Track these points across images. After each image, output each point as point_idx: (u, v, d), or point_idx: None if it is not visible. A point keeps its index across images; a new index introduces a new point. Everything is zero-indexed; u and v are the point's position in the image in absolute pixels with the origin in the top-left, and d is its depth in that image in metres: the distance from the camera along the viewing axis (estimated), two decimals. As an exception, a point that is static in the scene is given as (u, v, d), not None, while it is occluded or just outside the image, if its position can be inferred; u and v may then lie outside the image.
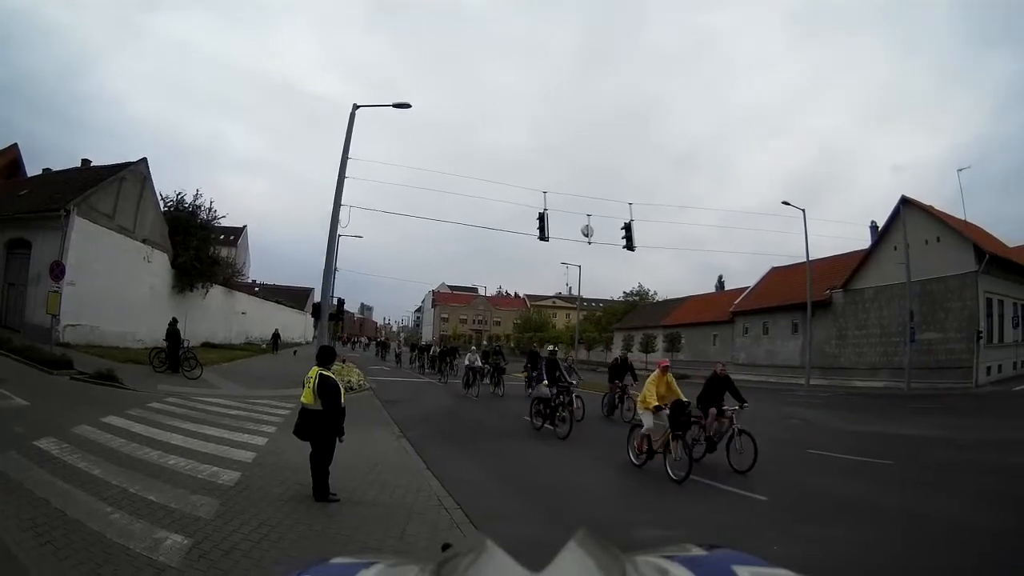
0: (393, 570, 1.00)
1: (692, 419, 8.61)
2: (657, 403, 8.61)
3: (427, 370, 28.74)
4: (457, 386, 20.01)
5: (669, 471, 7.89)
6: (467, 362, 19.46)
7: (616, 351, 38.93)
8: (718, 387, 9.25)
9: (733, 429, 8.60)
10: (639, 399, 9.19)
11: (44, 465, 6.06)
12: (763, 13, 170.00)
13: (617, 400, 14.57)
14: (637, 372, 15.22)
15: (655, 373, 9.10)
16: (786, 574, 0.91)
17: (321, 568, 1.05)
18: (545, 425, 11.83)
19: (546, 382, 12.00)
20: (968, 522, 5.96)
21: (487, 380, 19.47)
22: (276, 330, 38.09)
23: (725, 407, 8.86)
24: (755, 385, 28.73)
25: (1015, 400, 20.07)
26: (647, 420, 8.59)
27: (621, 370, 14.96)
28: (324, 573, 1.04)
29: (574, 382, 12.43)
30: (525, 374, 18.65)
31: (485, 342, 59.41)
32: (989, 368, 25.16)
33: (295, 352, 34.26)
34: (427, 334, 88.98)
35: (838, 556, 4.94)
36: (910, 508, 6.57)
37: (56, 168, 26.82)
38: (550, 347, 17.10)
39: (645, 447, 8.53)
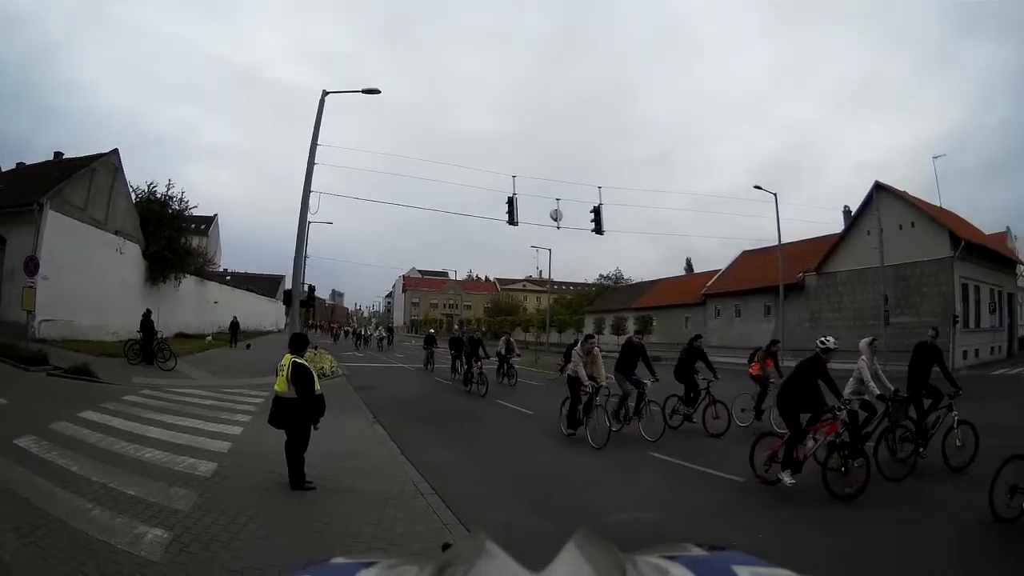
0: (393, 570, 0.99)
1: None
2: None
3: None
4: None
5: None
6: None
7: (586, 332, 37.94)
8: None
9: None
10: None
11: (24, 464, 6.09)
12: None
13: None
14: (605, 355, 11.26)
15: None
16: (787, 574, 0.91)
17: (321, 568, 1.06)
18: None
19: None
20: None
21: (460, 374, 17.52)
22: (235, 318, 32.83)
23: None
24: (728, 366, 29.10)
25: (995, 384, 19.57)
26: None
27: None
28: (324, 573, 1.05)
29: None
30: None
31: (457, 326, 58.32)
32: (966, 352, 25.28)
33: (248, 346, 29.69)
34: (398, 319, 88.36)
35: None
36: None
37: (29, 162, 26.35)
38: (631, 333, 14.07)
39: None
